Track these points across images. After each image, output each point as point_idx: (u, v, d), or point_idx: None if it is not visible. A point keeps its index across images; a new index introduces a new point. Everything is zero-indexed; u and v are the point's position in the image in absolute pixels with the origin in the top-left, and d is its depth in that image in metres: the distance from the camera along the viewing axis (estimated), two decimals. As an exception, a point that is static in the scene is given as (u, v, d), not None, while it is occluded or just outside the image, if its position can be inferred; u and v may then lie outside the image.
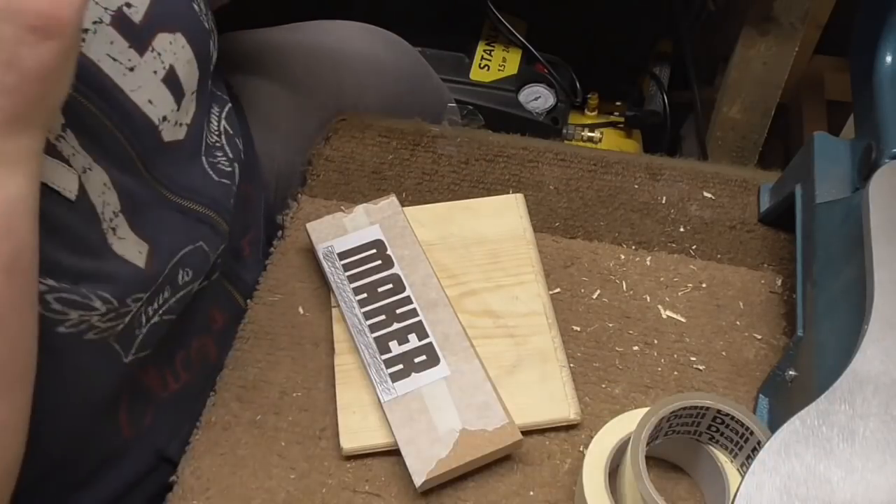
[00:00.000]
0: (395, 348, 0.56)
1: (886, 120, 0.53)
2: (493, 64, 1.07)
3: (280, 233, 0.66)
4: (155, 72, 0.51)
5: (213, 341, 0.62)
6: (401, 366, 0.55)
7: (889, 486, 0.40)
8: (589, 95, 1.13)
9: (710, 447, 0.50)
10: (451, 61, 1.06)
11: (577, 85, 1.11)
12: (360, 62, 0.78)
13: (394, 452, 0.54)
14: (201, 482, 0.54)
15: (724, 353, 0.59)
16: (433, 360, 0.55)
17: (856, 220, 0.49)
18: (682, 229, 0.66)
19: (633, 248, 0.65)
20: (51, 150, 0.43)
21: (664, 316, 0.61)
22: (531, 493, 0.53)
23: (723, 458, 0.50)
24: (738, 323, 0.60)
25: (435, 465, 0.51)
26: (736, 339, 0.60)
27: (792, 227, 0.59)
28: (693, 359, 0.59)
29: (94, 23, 0.47)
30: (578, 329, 0.60)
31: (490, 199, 0.66)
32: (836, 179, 0.56)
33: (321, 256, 0.61)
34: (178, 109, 0.53)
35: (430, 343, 0.56)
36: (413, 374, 0.55)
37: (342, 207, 0.64)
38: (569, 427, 0.56)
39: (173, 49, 0.52)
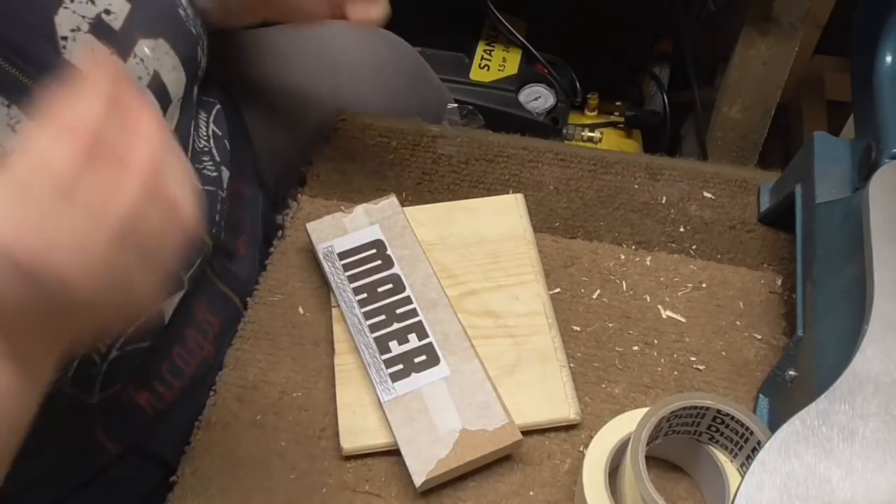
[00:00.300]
0: (395, 348, 0.56)
1: (886, 120, 0.53)
2: (493, 64, 1.07)
3: (280, 233, 0.66)
4: (140, 77, 0.51)
5: (210, 342, 0.61)
6: (401, 366, 0.55)
7: (889, 486, 0.40)
8: (589, 95, 1.12)
9: (710, 447, 0.50)
10: (451, 61, 1.06)
11: (577, 85, 1.11)
12: (359, 62, 0.78)
13: (394, 452, 0.54)
14: (201, 482, 0.54)
15: (724, 353, 0.59)
16: (433, 360, 0.55)
17: (856, 220, 0.49)
18: (682, 229, 0.66)
19: (633, 248, 0.65)
20: None
21: (664, 316, 0.61)
22: (531, 493, 0.53)
23: (723, 458, 0.50)
24: (738, 323, 0.60)
25: (435, 465, 0.51)
26: (736, 339, 0.60)
27: (792, 227, 0.59)
28: (693, 359, 0.59)
29: (73, 31, 0.47)
30: (578, 329, 0.60)
31: (490, 199, 0.66)
32: (836, 179, 0.56)
33: (321, 256, 0.61)
34: (163, 116, 0.53)
35: (430, 343, 0.56)
36: (413, 374, 0.55)
37: (342, 207, 0.64)
38: (569, 427, 0.55)
39: (157, 55, 0.52)
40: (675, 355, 0.59)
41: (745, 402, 0.56)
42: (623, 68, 1.19)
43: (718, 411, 0.48)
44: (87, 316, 0.36)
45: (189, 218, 0.36)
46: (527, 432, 0.54)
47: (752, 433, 0.47)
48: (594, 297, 0.62)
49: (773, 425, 0.47)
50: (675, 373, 0.58)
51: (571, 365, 0.58)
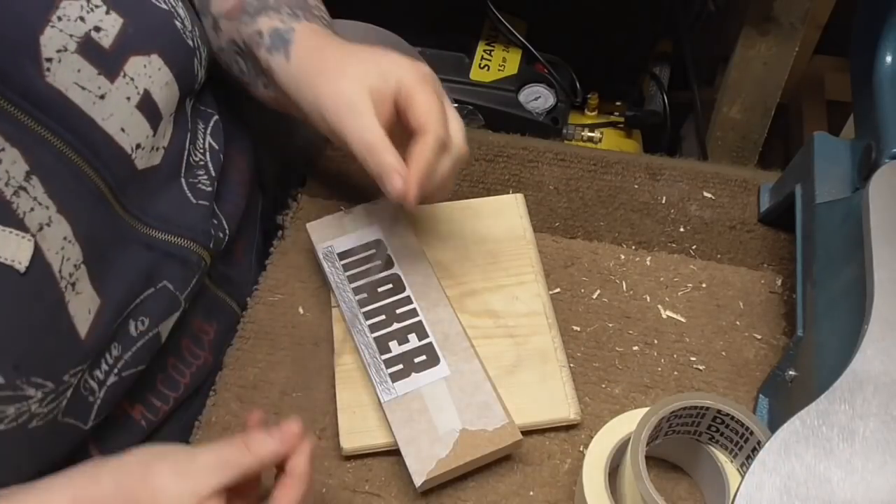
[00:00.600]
0: (395, 348, 0.56)
1: (886, 120, 0.53)
2: (493, 64, 1.07)
3: (280, 233, 0.66)
4: (128, 98, 0.49)
5: (207, 350, 0.60)
6: (401, 366, 0.55)
7: (889, 486, 0.40)
8: (589, 95, 1.13)
9: (710, 447, 0.50)
10: (451, 61, 1.06)
11: (577, 85, 1.11)
12: None
13: (394, 452, 0.54)
14: (201, 482, 0.54)
15: (724, 353, 0.59)
16: (433, 360, 0.55)
17: (856, 220, 0.49)
18: (682, 229, 0.66)
19: (633, 248, 0.65)
20: (4, 214, 0.41)
21: (664, 316, 0.61)
22: (531, 493, 0.53)
23: (723, 458, 0.50)
24: (738, 323, 0.60)
25: (435, 465, 0.51)
26: (736, 339, 0.60)
27: (792, 227, 0.59)
28: (693, 359, 0.59)
29: (59, 51, 0.45)
30: (578, 329, 0.60)
31: (490, 199, 0.66)
32: (836, 179, 0.56)
33: (321, 256, 0.61)
34: (153, 135, 0.51)
35: (430, 343, 0.56)
36: (413, 374, 0.55)
37: (342, 207, 0.64)
38: (569, 427, 0.56)
39: (148, 72, 0.50)
40: (675, 355, 0.59)
41: (745, 402, 0.56)
42: (623, 68, 1.19)
43: (718, 411, 0.48)
44: None
45: None
46: (527, 432, 0.54)
47: (752, 433, 0.47)
48: (594, 297, 0.62)
49: (773, 425, 0.48)
50: (675, 373, 0.58)
51: (571, 365, 0.58)
